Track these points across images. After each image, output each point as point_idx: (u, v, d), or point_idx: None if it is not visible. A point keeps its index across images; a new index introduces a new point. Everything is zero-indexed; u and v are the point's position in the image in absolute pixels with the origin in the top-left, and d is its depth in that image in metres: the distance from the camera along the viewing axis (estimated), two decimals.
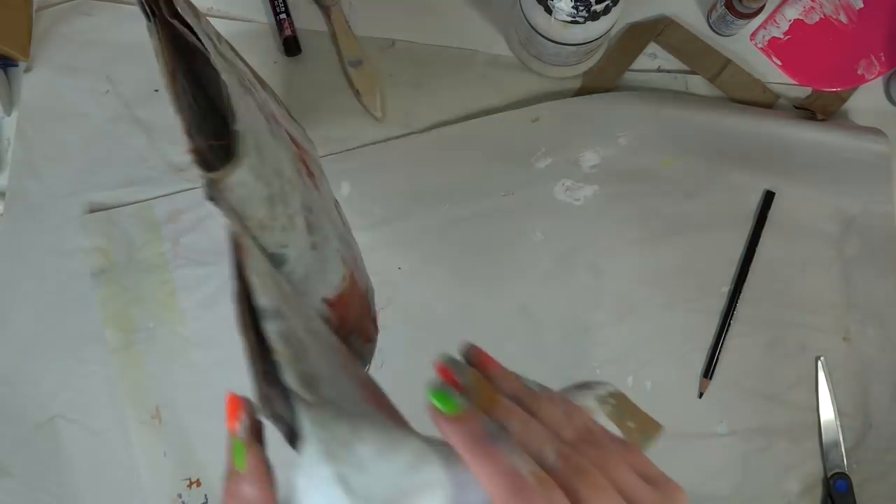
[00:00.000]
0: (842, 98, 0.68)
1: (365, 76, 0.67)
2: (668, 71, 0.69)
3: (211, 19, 0.69)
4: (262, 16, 0.69)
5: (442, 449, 0.30)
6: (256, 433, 0.32)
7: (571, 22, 0.58)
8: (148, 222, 0.66)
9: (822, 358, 0.64)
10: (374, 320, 0.51)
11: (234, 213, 0.34)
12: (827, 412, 0.63)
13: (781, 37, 0.68)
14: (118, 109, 0.68)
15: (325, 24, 0.69)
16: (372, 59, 0.68)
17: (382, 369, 0.63)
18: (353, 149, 0.67)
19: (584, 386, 0.36)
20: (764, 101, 0.68)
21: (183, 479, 0.64)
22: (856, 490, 0.62)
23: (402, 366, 0.54)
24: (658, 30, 0.68)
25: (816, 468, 0.63)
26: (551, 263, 0.66)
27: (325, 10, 0.69)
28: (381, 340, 0.53)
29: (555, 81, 0.68)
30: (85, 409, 0.65)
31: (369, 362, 0.48)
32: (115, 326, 0.65)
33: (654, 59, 0.69)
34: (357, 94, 0.67)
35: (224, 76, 0.36)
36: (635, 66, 0.69)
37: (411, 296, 0.66)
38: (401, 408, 0.37)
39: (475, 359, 0.34)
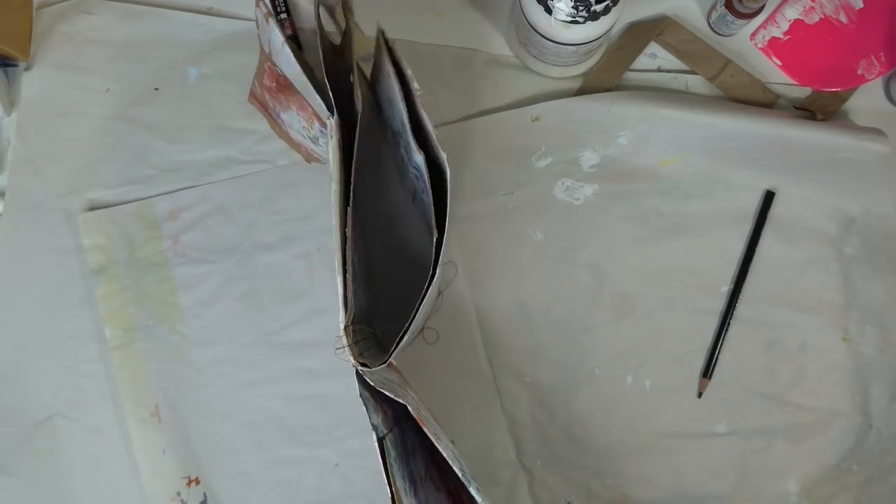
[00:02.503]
0: (842, 98, 0.68)
1: None
2: (668, 71, 0.69)
3: (211, 18, 0.69)
4: None
5: None
6: None
7: (571, 22, 0.58)
8: (148, 220, 0.66)
9: None
10: None
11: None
12: None
13: (781, 37, 0.68)
14: (118, 108, 0.68)
15: (331, 24, 0.69)
16: None
17: None
18: None
19: None
20: (764, 102, 0.68)
21: (182, 477, 0.64)
22: (856, 491, 0.62)
23: None
24: (658, 30, 0.68)
25: (816, 468, 0.63)
26: (551, 263, 0.66)
27: (330, 10, 0.69)
28: None
29: (555, 81, 0.68)
30: (84, 408, 0.65)
31: None
32: (114, 324, 0.65)
33: (654, 59, 0.69)
34: None
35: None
36: (635, 66, 0.69)
37: None
38: None
39: None
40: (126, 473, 0.64)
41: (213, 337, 0.65)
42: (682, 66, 0.69)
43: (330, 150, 0.50)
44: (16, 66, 0.69)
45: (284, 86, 0.59)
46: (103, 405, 0.65)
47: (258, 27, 0.60)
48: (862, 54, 0.68)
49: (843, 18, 0.68)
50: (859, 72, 0.68)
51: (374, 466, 0.64)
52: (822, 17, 0.68)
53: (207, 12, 0.70)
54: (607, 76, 0.68)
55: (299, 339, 0.65)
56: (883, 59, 0.68)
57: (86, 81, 0.68)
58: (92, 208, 0.67)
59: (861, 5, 0.68)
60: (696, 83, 0.69)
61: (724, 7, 0.64)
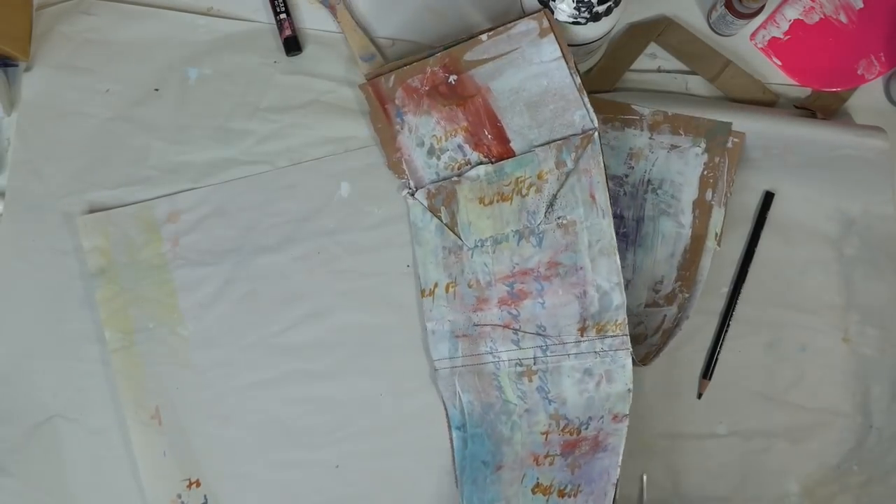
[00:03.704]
0: (842, 98, 0.68)
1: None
2: (668, 71, 0.69)
3: (211, 19, 0.69)
4: (262, 15, 0.69)
5: None
6: None
7: (573, 23, 0.58)
8: (148, 223, 0.66)
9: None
10: None
11: None
12: None
13: (781, 37, 0.68)
14: (118, 109, 0.68)
15: (333, 23, 0.69)
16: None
17: None
18: (354, 149, 0.67)
19: None
20: (764, 102, 0.68)
21: (182, 480, 0.64)
22: (857, 491, 0.63)
23: None
24: (658, 30, 0.68)
25: (817, 469, 0.63)
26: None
27: (331, 10, 0.69)
28: None
29: None
30: (84, 409, 0.65)
31: None
32: (114, 327, 0.65)
33: (654, 59, 0.69)
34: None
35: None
36: (635, 66, 0.69)
37: (417, 293, 0.66)
38: None
39: None
40: (126, 475, 0.64)
41: (214, 339, 0.65)
42: (682, 67, 0.69)
43: (600, 157, 0.58)
44: (16, 66, 0.69)
45: (444, 94, 0.62)
46: (103, 406, 0.65)
47: (487, 37, 0.61)
48: (862, 54, 0.68)
49: (843, 18, 0.68)
50: (859, 72, 0.68)
51: (374, 468, 0.64)
52: (822, 17, 0.68)
53: (207, 13, 0.70)
54: (607, 76, 0.68)
55: (299, 341, 0.65)
56: (883, 59, 0.68)
57: (85, 82, 0.68)
58: (92, 209, 0.67)
59: (861, 5, 0.68)
60: (696, 83, 0.69)
61: (724, 7, 0.64)
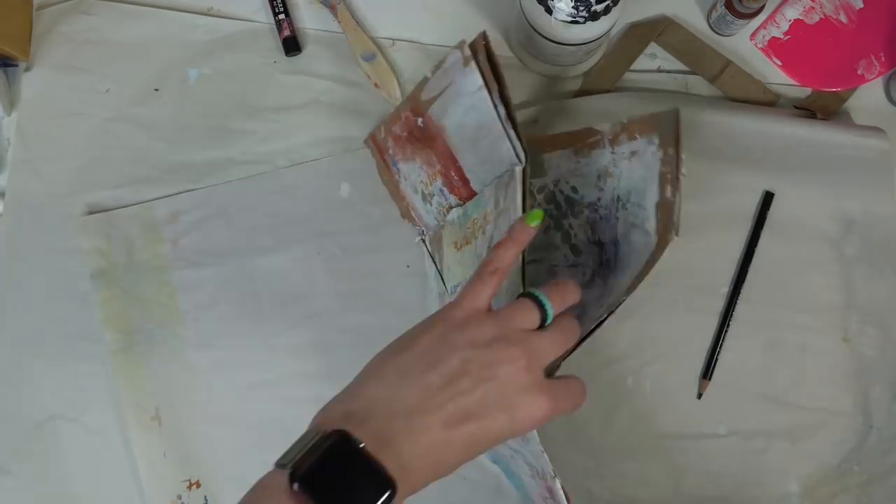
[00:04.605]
0: (842, 98, 0.68)
1: (381, 69, 0.68)
2: (668, 71, 0.69)
3: (211, 19, 0.69)
4: (261, 16, 0.69)
5: None
6: None
7: (571, 22, 0.58)
8: (147, 224, 0.66)
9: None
10: None
11: None
12: None
13: (781, 37, 0.68)
14: (118, 109, 0.68)
15: (333, 23, 0.69)
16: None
17: None
18: (354, 149, 0.67)
19: None
20: (764, 102, 0.68)
21: (183, 481, 0.64)
22: (857, 491, 0.63)
23: None
24: (658, 30, 0.68)
25: (817, 469, 0.63)
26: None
27: (332, 10, 0.69)
28: None
29: (555, 81, 0.68)
30: (84, 409, 0.65)
31: None
32: (114, 328, 0.65)
33: (654, 59, 0.69)
34: (376, 87, 0.68)
35: None
36: (635, 66, 0.69)
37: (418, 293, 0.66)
38: None
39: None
40: (126, 475, 0.64)
41: (213, 340, 0.65)
42: (682, 67, 0.69)
43: (517, 195, 0.52)
44: (16, 66, 0.69)
45: (418, 138, 0.60)
46: (103, 406, 0.65)
47: (432, 74, 0.57)
48: (862, 54, 0.68)
49: (843, 18, 0.68)
50: (859, 72, 0.68)
51: None
52: (822, 17, 0.68)
53: (207, 13, 0.70)
54: (607, 76, 0.68)
55: (299, 342, 0.65)
56: (883, 59, 0.68)
57: (85, 82, 0.68)
58: (91, 209, 0.67)
59: (861, 5, 0.68)
60: (696, 83, 0.69)
61: (724, 7, 0.64)
